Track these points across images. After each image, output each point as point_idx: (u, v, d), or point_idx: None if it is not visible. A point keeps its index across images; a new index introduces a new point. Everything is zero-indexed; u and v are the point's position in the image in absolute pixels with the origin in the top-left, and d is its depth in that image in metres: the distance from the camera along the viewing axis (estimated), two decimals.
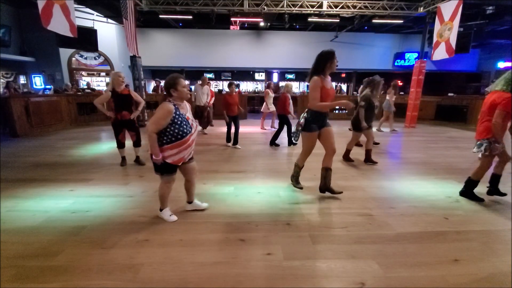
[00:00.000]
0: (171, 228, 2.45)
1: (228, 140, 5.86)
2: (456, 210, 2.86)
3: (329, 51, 2.81)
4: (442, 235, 2.37)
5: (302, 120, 2.99)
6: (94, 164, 4.50)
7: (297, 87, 18.15)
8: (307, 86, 3.20)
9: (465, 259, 2.04)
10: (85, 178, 3.76)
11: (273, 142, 5.91)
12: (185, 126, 2.28)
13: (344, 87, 18.21)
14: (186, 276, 1.84)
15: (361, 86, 4.76)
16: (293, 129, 3.15)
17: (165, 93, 2.31)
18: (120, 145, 4.35)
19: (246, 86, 18.71)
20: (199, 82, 7.43)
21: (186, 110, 2.38)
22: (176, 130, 2.23)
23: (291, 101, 5.80)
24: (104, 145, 5.89)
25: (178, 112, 2.25)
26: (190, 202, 2.77)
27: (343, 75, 18.11)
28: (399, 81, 10.00)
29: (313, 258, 2.04)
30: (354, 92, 16.67)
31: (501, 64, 14.31)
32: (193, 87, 8.27)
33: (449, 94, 11.12)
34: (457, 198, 3.17)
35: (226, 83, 18.62)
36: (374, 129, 6.12)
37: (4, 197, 3.09)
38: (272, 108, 7.84)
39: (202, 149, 5.53)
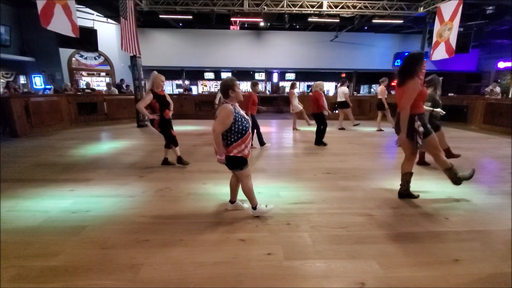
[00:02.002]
0: (171, 228, 2.45)
1: (262, 142, 5.67)
2: (456, 210, 2.86)
3: (420, 52, 2.78)
4: (442, 235, 2.37)
5: (420, 129, 2.78)
6: (94, 164, 4.50)
7: (297, 87, 18.15)
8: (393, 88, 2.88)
9: (466, 259, 2.04)
10: (85, 178, 3.75)
11: (321, 141, 5.84)
12: (245, 122, 2.44)
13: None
14: (186, 276, 1.84)
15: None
16: (419, 141, 2.83)
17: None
18: (176, 142, 4.25)
19: (246, 86, 18.70)
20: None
21: (239, 108, 2.54)
22: (240, 127, 2.39)
23: (324, 98, 5.78)
24: (104, 145, 5.88)
25: (237, 110, 2.41)
26: (233, 202, 2.83)
27: (343, 75, 18.12)
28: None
29: (313, 258, 2.04)
30: (354, 92, 16.68)
31: (501, 64, 14.31)
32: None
33: (449, 94, 11.12)
34: (457, 198, 3.17)
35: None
36: (370, 129, 6.11)
37: (4, 197, 3.09)
38: (298, 108, 7.74)
39: (201, 149, 5.53)
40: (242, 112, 2.50)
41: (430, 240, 2.29)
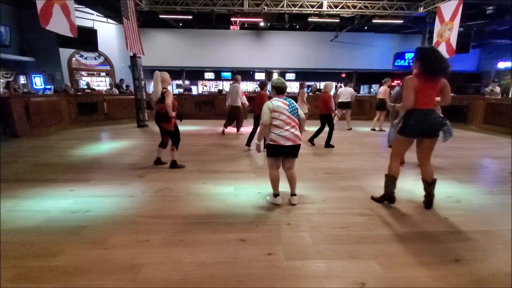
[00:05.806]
0: (171, 228, 2.45)
1: (249, 143, 5.58)
2: (456, 210, 2.86)
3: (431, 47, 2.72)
4: (443, 235, 2.37)
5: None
6: (94, 164, 4.50)
7: (297, 87, 18.15)
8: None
9: (466, 259, 2.03)
10: (85, 178, 3.75)
11: (328, 144, 5.72)
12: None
13: None
14: (186, 276, 1.84)
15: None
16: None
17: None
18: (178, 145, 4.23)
19: (246, 86, 18.73)
20: (232, 82, 7.08)
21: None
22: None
23: (333, 100, 5.74)
24: (104, 145, 5.88)
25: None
26: (290, 193, 3.02)
27: (343, 75, 18.12)
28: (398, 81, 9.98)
29: (314, 258, 2.04)
30: (354, 92, 16.68)
31: (501, 64, 14.32)
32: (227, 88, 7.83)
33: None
34: (458, 198, 3.16)
35: (226, 83, 18.65)
36: (368, 128, 5.97)
37: (4, 197, 3.09)
38: (306, 110, 7.32)
39: (201, 149, 5.53)
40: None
41: (430, 240, 2.29)
